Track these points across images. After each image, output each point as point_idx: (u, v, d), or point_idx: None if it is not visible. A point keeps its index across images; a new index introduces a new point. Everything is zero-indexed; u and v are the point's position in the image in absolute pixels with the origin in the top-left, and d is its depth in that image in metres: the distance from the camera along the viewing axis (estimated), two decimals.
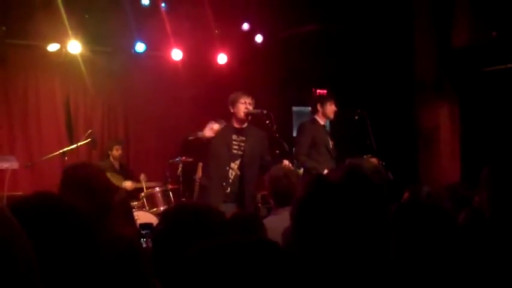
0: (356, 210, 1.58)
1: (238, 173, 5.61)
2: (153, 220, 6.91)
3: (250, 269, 0.93)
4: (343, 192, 1.62)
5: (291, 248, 1.65)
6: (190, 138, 5.52)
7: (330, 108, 6.59)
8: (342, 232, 1.56)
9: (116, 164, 8.08)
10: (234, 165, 5.62)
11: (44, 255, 1.07)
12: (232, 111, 5.63)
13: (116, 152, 8.06)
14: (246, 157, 5.63)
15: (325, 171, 6.13)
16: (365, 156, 6.44)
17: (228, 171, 5.59)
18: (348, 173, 1.70)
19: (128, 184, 7.74)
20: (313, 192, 1.67)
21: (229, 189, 5.54)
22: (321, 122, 6.66)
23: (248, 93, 5.71)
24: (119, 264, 2.16)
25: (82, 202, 1.51)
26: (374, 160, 6.36)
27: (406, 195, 4.17)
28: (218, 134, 5.41)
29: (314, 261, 1.56)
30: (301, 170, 6.71)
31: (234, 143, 5.63)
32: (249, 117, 5.64)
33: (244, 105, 5.57)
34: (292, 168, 4.11)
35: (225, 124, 5.61)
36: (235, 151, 5.62)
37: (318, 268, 1.54)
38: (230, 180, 5.57)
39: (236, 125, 5.65)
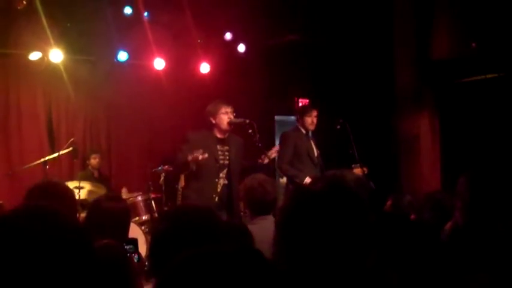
0: (338, 219, 1.61)
1: (226, 182, 5.61)
2: (135, 229, 6.90)
3: (234, 278, 0.94)
4: (325, 201, 1.64)
5: (275, 257, 1.67)
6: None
7: (308, 120, 6.67)
8: (324, 240, 1.59)
9: (95, 173, 8.07)
10: (222, 174, 5.62)
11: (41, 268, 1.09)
12: (213, 122, 5.60)
13: (94, 160, 8.08)
14: (232, 165, 5.63)
15: (307, 179, 6.19)
16: (353, 166, 6.51)
17: (217, 183, 5.59)
18: (330, 183, 1.73)
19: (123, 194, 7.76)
20: (297, 202, 1.69)
21: (217, 198, 5.53)
22: (303, 130, 6.73)
23: (228, 102, 5.70)
24: (108, 271, 2.16)
25: None
26: (358, 170, 6.42)
27: (388, 203, 4.22)
28: (200, 145, 5.37)
29: (297, 270, 1.58)
30: (284, 179, 6.77)
31: (220, 153, 5.62)
32: (232, 127, 5.64)
33: (226, 115, 5.56)
34: (267, 177, 4.10)
35: (203, 134, 5.62)
36: (222, 161, 5.61)
37: (300, 276, 1.56)
38: (218, 190, 5.56)
39: (219, 135, 5.64)
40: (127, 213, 3.37)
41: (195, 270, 0.95)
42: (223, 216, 5.12)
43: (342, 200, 1.66)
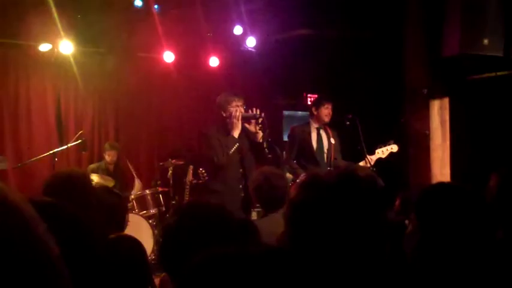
0: (350, 212, 1.58)
1: (244, 174, 5.47)
2: (143, 223, 6.91)
3: (263, 280, 0.92)
4: (337, 193, 1.61)
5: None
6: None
7: (325, 112, 6.62)
8: (336, 233, 1.56)
9: (111, 167, 7.96)
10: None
11: None
12: (224, 115, 5.47)
13: (108, 157, 7.93)
14: (246, 158, 5.50)
15: (302, 176, 6.11)
16: (360, 164, 6.48)
17: (242, 173, 5.43)
18: (342, 175, 1.70)
19: (137, 187, 7.75)
20: (307, 194, 1.66)
21: (242, 193, 5.36)
22: (315, 125, 6.69)
23: (239, 94, 5.55)
24: (123, 263, 2.16)
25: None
26: (366, 167, 6.40)
27: (397, 202, 4.18)
28: (220, 139, 5.33)
29: (308, 263, 1.55)
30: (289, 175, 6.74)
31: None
32: (242, 122, 5.52)
33: (237, 108, 5.47)
34: (274, 169, 4.00)
35: (218, 129, 5.52)
36: (238, 154, 5.48)
37: (312, 269, 1.53)
38: (243, 182, 5.38)
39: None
40: (121, 207, 3.32)
41: (220, 271, 0.93)
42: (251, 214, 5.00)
43: (355, 192, 1.63)
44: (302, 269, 0.97)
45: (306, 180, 1.72)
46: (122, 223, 3.22)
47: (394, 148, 6.76)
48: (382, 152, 6.70)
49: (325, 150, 6.69)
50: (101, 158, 8.16)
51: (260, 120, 5.41)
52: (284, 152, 6.64)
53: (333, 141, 6.70)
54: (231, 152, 5.31)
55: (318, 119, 6.66)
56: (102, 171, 7.62)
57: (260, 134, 5.42)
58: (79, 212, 1.37)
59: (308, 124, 6.75)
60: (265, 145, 5.45)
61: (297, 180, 5.98)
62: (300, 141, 6.63)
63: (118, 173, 8.00)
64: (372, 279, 1.56)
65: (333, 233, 1.56)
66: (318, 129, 6.70)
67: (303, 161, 6.58)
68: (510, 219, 2.40)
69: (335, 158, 6.68)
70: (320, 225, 1.58)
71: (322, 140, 6.71)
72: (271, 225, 3.18)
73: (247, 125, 5.49)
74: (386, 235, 1.64)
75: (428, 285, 1.77)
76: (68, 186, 2.83)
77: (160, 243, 2.01)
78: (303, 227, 1.62)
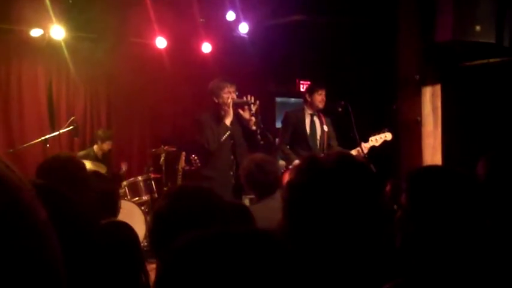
0: (349, 195, 1.58)
1: (235, 161, 5.52)
2: (135, 209, 6.91)
3: (246, 261, 0.91)
4: (337, 176, 1.61)
5: (282, 235, 1.64)
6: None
7: (318, 98, 6.63)
8: (335, 217, 1.56)
9: (99, 155, 7.94)
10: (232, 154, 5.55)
11: None
12: (216, 101, 5.52)
13: (106, 146, 7.88)
14: (238, 145, 5.54)
15: (295, 162, 6.14)
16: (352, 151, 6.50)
17: (233, 160, 5.51)
18: (341, 159, 1.70)
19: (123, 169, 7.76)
20: (306, 178, 1.65)
21: (233, 180, 5.44)
22: (309, 111, 6.71)
23: (231, 80, 5.59)
24: (115, 248, 2.16)
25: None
26: (358, 155, 6.42)
27: (387, 188, 4.21)
28: (212, 126, 5.35)
29: (306, 247, 1.55)
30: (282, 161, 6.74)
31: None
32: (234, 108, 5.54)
33: (229, 95, 5.49)
34: (264, 155, 4.00)
35: (211, 115, 5.54)
36: (230, 140, 5.53)
37: (310, 255, 1.53)
38: (234, 169, 5.46)
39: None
40: (113, 193, 3.33)
41: (203, 252, 0.92)
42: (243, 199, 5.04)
43: (354, 175, 1.63)
44: (287, 250, 0.96)
45: (305, 163, 1.71)
46: (115, 209, 3.22)
47: (388, 136, 6.77)
48: (375, 140, 6.71)
49: (318, 137, 6.71)
50: (92, 145, 8.12)
51: (253, 106, 5.43)
52: (277, 139, 6.65)
53: (326, 128, 6.71)
54: (222, 140, 5.33)
55: (312, 105, 6.68)
56: (91, 158, 7.58)
57: (253, 120, 5.44)
58: (73, 196, 1.37)
59: (302, 110, 6.76)
60: (257, 132, 5.47)
61: (294, 164, 6.02)
62: (293, 127, 6.64)
63: (106, 157, 7.98)
64: (368, 264, 1.56)
65: (332, 216, 1.56)
66: (311, 116, 6.71)
67: (297, 146, 6.60)
68: (498, 204, 2.42)
69: (329, 145, 6.70)
70: (319, 208, 1.58)
71: (315, 126, 6.73)
72: (266, 211, 3.19)
73: (241, 111, 5.50)
74: (384, 219, 1.65)
75: (418, 269, 1.78)
76: (62, 170, 2.83)
77: (151, 226, 2.00)
78: (301, 210, 1.61)
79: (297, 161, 6.12)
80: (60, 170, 2.84)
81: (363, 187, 1.61)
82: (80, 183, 2.77)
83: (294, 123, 6.66)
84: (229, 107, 5.43)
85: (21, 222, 0.68)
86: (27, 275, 0.67)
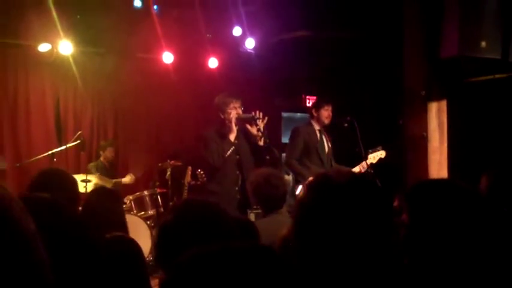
0: (361, 213, 1.57)
1: (241, 177, 5.53)
2: (141, 224, 6.91)
3: (246, 276, 0.92)
4: (348, 194, 1.60)
5: (289, 252, 1.63)
6: None
7: (325, 113, 6.64)
8: (345, 235, 1.55)
9: (107, 165, 8.05)
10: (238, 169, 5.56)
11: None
12: (222, 117, 5.55)
13: (109, 153, 8.04)
14: (244, 160, 5.55)
15: (310, 178, 6.12)
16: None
17: (238, 175, 5.52)
18: (352, 176, 1.69)
19: (127, 179, 7.79)
20: (317, 195, 1.65)
21: (239, 195, 5.45)
22: (316, 127, 6.71)
23: (237, 95, 5.61)
24: (121, 263, 2.17)
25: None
26: (361, 169, 6.42)
27: (395, 203, 4.19)
28: (218, 141, 5.37)
29: (315, 265, 1.55)
30: (290, 176, 6.74)
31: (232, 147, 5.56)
32: (240, 123, 5.56)
33: (235, 111, 5.51)
34: (272, 169, 4.00)
35: (216, 130, 5.56)
36: (236, 155, 5.55)
37: (319, 272, 1.53)
38: (239, 184, 5.47)
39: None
40: (119, 208, 3.34)
41: (206, 267, 0.94)
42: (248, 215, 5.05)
43: (365, 193, 1.62)
44: (287, 266, 0.97)
45: (316, 181, 1.71)
46: (123, 224, 3.23)
47: (382, 154, 6.79)
48: (373, 158, 6.73)
49: (326, 153, 6.71)
50: (98, 157, 8.20)
51: (260, 122, 5.44)
52: (283, 154, 6.64)
53: (329, 145, 6.74)
54: (226, 155, 5.35)
55: (318, 120, 6.68)
56: (101, 169, 7.69)
57: (260, 136, 5.45)
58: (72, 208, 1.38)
59: (311, 125, 6.76)
60: (264, 147, 5.48)
61: (306, 182, 5.99)
62: (305, 141, 6.61)
63: (114, 165, 8.09)
64: (378, 282, 1.55)
65: (343, 234, 1.56)
66: (319, 132, 6.73)
67: (307, 161, 6.57)
68: (500, 218, 2.41)
69: (332, 161, 6.73)
70: (330, 226, 1.57)
71: (323, 142, 6.74)
72: (272, 226, 3.19)
73: (248, 127, 5.51)
74: (393, 237, 1.64)
75: (418, 279, 1.78)
76: (55, 182, 2.84)
77: (156, 240, 2.00)
78: (312, 228, 1.60)
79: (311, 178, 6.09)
80: (49, 183, 2.86)
81: (375, 205, 1.60)
82: (69, 194, 2.78)
83: (306, 138, 6.63)
84: (233, 123, 5.45)
85: (11, 231, 0.70)
86: (15, 277, 0.69)
